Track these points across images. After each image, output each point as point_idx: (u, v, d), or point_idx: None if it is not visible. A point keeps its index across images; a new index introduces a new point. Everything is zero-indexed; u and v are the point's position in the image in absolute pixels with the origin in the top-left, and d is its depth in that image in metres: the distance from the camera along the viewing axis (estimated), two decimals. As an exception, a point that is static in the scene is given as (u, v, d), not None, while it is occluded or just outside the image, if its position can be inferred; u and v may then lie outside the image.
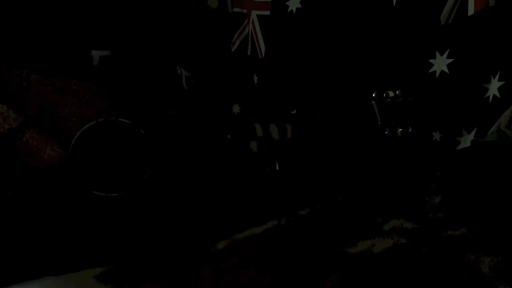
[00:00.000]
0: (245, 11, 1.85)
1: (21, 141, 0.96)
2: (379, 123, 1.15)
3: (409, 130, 1.15)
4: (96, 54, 1.08)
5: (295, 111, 1.71)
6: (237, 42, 1.88)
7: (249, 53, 1.86)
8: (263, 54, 1.80)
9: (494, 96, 1.37)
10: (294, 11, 1.72)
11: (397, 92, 1.16)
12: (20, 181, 0.96)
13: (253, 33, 1.83)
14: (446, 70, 1.45)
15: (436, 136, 1.49)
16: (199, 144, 1.07)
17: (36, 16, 1.06)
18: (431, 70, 1.48)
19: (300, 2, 1.70)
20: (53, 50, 1.06)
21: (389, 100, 1.16)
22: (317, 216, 1.08)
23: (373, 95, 1.17)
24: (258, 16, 1.81)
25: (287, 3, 1.73)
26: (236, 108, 1.90)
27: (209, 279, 0.85)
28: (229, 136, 1.07)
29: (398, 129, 1.15)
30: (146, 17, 1.16)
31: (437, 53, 1.47)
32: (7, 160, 0.96)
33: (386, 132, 1.16)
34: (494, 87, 1.38)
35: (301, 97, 1.70)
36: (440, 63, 1.46)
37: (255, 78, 1.84)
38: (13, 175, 0.96)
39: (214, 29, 1.84)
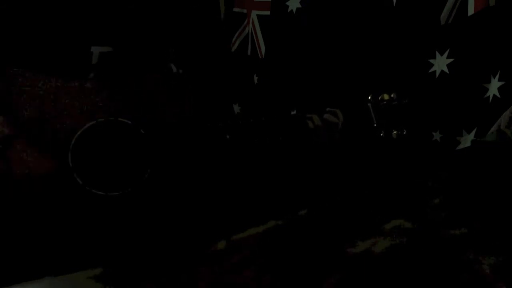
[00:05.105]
0: (245, 11, 1.85)
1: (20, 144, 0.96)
2: (375, 125, 1.16)
3: (404, 132, 1.16)
4: (96, 50, 1.08)
5: (295, 111, 1.72)
6: (237, 42, 1.88)
7: (249, 53, 1.86)
8: (263, 54, 1.80)
9: (494, 96, 1.37)
10: (294, 11, 1.72)
11: (392, 95, 1.17)
12: (19, 182, 0.96)
13: (253, 33, 1.83)
14: (446, 70, 1.45)
15: (436, 136, 1.49)
16: (198, 143, 1.07)
17: (34, 15, 1.06)
18: (431, 70, 1.48)
19: (300, 2, 1.70)
20: (51, 49, 1.06)
21: (385, 102, 1.17)
22: (317, 216, 1.08)
23: (369, 97, 1.17)
24: (258, 16, 1.81)
25: (287, 3, 1.73)
26: (236, 108, 1.90)
27: (209, 279, 0.85)
28: (228, 136, 1.07)
29: (393, 131, 1.16)
30: (145, 16, 1.16)
31: (437, 53, 1.47)
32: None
33: (381, 134, 1.17)
34: (494, 87, 1.38)
35: (300, 97, 1.70)
36: (440, 63, 1.46)
37: (255, 78, 1.84)
38: (12, 176, 0.96)
39: (214, 28, 1.83)
